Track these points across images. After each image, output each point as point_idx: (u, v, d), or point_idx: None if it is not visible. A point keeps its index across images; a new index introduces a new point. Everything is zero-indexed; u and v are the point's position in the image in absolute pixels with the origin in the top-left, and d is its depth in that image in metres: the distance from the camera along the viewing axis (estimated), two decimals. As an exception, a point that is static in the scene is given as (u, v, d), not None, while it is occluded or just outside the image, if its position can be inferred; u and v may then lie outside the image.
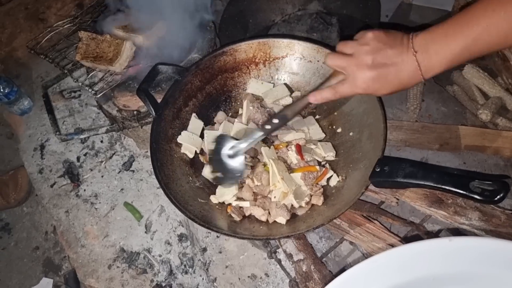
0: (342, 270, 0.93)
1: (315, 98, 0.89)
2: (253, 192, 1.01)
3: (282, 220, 0.95)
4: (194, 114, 1.13)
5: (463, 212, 0.91)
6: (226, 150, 1.02)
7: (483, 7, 0.68)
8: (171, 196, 0.93)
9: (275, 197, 0.97)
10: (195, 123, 1.12)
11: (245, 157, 1.02)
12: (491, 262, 0.56)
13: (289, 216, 0.96)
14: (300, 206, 0.98)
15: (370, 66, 0.77)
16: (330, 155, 1.04)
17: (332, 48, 1.08)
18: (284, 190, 0.96)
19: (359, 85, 0.80)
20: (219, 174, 1.03)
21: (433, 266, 0.57)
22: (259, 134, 0.98)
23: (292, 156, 1.02)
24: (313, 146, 1.06)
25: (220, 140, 1.04)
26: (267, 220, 0.98)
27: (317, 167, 1.00)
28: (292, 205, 0.98)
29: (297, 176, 0.99)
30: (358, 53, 0.79)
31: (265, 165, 1.01)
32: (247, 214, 1.00)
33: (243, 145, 0.99)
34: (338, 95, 0.86)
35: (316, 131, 1.09)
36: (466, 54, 0.72)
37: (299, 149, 1.02)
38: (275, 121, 0.96)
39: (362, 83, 0.80)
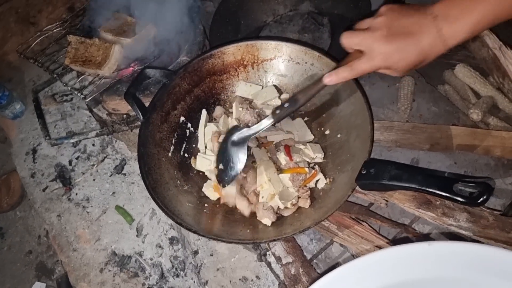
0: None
1: (330, 79, 0.82)
2: (240, 185, 1.02)
3: (267, 221, 0.95)
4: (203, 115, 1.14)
5: (451, 214, 0.90)
6: (233, 137, 0.98)
7: None
8: (158, 201, 0.93)
9: (262, 197, 0.98)
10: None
11: (249, 148, 0.98)
12: (470, 267, 0.55)
13: (275, 218, 0.96)
14: (286, 207, 0.98)
15: (386, 36, 0.73)
16: (319, 157, 1.04)
17: (320, 50, 1.08)
18: (271, 192, 0.95)
19: (377, 58, 0.75)
20: (220, 166, 0.99)
21: (413, 271, 0.57)
22: (269, 121, 0.93)
23: (281, 157, 1.02)
24: (302, 147, 1.05)
25: (231, 130, 1.01)
26: (253, 218, 0.98)
27: (307, 169, 1.00)
28: (278, 206, 0.98)
29: (285, 177, 0.99)
30: (373, 26, 0.76)
31: (253, 161, 1.01)
32: (231, 206, 1.01)
33: (250, 132, 0.96)
34: (355, 72, 0.79)
35: (305, 133, 1.09)
36: (491, 18, 0.68)
37: (288, 150, 1.02)
38: (286, 105, 0.91)
39: (380, 56, 0.75)
